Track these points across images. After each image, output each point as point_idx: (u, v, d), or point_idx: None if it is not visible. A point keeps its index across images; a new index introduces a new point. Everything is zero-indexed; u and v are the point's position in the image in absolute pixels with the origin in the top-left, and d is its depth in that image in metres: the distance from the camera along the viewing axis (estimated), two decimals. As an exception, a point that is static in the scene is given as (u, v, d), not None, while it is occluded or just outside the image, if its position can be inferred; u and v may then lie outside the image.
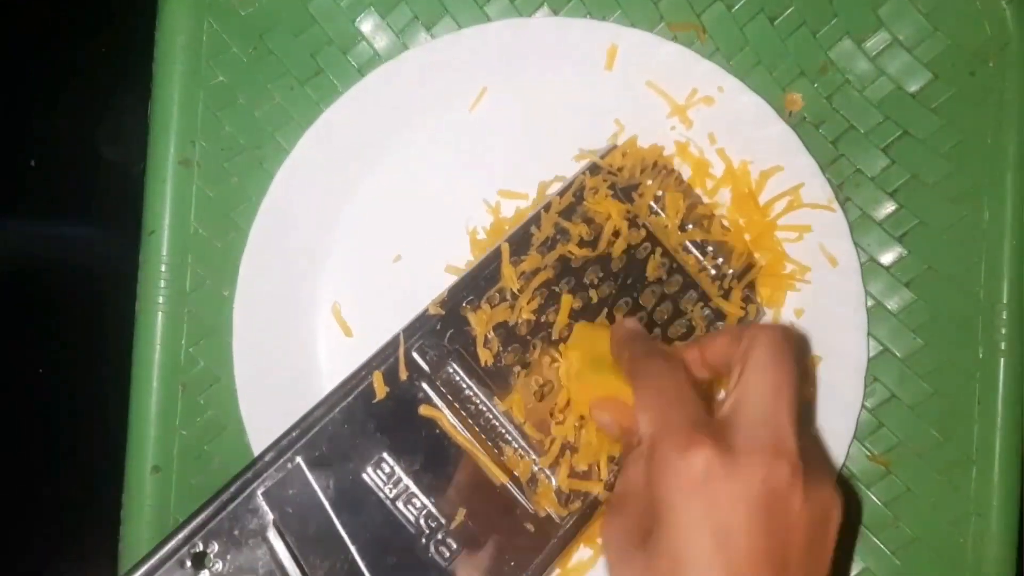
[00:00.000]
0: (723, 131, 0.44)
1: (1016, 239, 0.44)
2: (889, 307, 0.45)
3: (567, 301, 0.40)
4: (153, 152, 0.44)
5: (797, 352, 0.33)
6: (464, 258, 0.43)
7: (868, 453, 0.45)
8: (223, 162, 0.45)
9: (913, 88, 0.45)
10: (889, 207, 0.45)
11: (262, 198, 0.43)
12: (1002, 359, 0.44)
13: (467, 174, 0.44)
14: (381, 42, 0.45)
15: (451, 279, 0.43)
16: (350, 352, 0.40)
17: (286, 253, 0.43)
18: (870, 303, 0.45)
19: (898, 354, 0.45)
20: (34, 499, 0.49)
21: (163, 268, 0.44)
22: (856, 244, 0.43)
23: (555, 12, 0.45)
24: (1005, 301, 0.44)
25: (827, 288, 0.43)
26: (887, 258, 0.45)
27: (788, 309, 0.43)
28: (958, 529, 0.44)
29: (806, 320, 0.43)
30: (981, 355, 0.44)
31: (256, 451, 0.42)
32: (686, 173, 0.44)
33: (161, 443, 0.43)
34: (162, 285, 0.44)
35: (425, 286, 0.41)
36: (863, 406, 0.44)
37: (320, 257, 0.44)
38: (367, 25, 0.45)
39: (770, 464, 0.30)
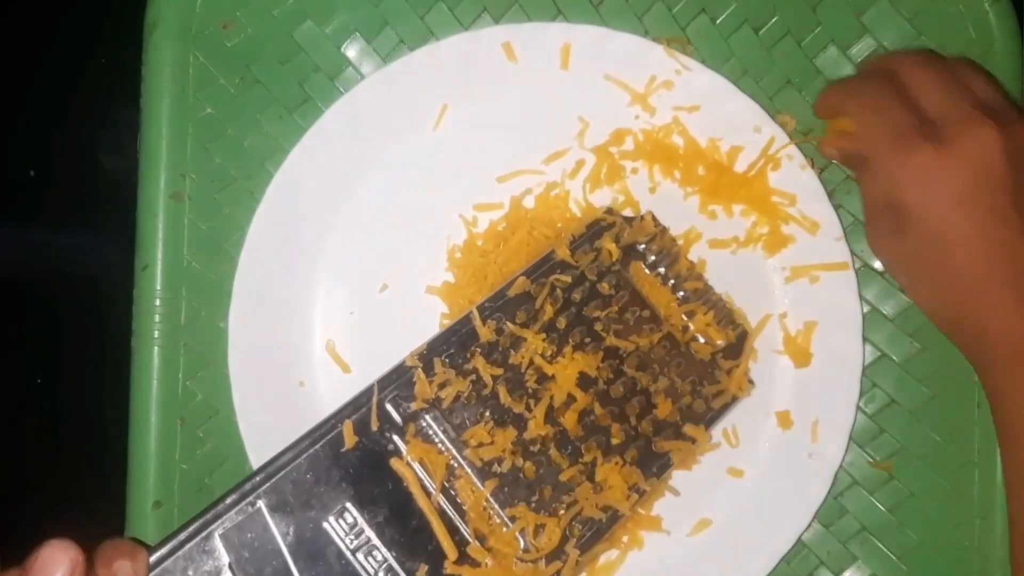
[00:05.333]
0: (686, 113, 0.44)
1: (1009, 240, 0.44)
2: (885, 312, 0.45)
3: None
4: (144, 187, 0.44)
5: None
6: (444, 278, 0.44)
7: (870, 459, 0.44)
8: (214, 194, 0.45)
9: (900, 93, 0.45)
10: (881, 212, 0.45)
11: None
12: (1000, 360, 0.44)
13: (441, 194, 0.44)
14: (368, 67, 0.45)
15: (436, 301, 0.43)
16: (351, 387, 0.39)
17: (270, 307, 0.43)
18: (866, 309, 0.44)
19: (896, 359, 0.45)
20: (36, 537, 0.49)
21: (157, 303, 0.44)
22: (851, 251, 0.43)
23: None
24: (1000, 303, 0.44)
25: (814, 251, 0.43)
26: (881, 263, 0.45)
27: (781, 294, 0.44)
28: (963, 532, 0.44)
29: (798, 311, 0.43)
30: (979, 357, 0.44)
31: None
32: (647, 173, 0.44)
33: (162, 478, 0.43)
34: (157, 319, 0.43)
35: (416, 311, 0.43)
36: (864, 412, 0.44)
37: (308, 301, 0.44)
38: (353, 51, 0.45)
39: (976, 134, 0.37)
